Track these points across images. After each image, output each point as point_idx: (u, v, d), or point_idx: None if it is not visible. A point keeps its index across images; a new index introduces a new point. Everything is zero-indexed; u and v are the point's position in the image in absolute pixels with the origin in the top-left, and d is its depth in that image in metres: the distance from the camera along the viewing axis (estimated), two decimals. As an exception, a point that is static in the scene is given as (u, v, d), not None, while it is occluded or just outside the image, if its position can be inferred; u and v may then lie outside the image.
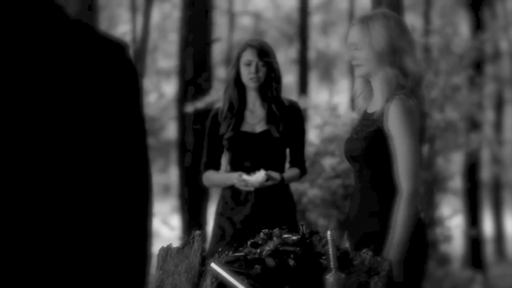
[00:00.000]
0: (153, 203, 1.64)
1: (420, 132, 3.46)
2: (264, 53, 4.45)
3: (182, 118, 10.19)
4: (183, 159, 10.31)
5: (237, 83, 4.52)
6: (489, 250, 18.05)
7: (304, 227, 3.36)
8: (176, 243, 3.42)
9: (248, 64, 4.45)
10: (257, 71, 4.44)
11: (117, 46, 1.55)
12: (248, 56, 4.45)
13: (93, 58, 1.51)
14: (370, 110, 3.53)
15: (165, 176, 17.04)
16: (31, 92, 1.45)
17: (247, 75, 4.46)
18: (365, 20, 3.45)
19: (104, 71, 1.51)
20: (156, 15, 14.29)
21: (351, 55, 3.53)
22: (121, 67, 1.54)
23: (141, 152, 1.57)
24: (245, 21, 16.37)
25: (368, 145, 3.44)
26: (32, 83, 1.46)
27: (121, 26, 14.56)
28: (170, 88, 14.61)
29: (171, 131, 14.87)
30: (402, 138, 3.36)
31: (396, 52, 3.41)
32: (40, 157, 1.46)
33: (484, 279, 12.70)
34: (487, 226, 17.89)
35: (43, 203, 1.46)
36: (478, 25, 14.49)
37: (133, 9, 12.92)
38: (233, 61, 4.59)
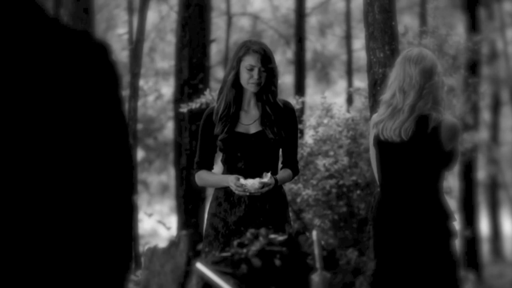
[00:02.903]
0: (135, 200, 1.66)
1: None
2: (267, 60, 4.46)
3: (179, 118, 10.22)
4: (179, 159, 10.34)
5: (235, 85, 4.53)
6: (485, 250, 18.06)
7: (290, 228, 3.40)
8: (156, 244, 3.44)
9: (251, 69, 4.45)
10: (259, 77, 4.45)
11: (99, 47, 1.58)
12: (251, 61, 4.45)
13: (73, 57, 1.54)
14: None
15: (164, 177, 17.03)
16: (11, 91, 1.48)
17: (248, 79, 4.46)
18: None
19: (83, 70, 1.54)
20: (154, 16, 14.30)
21: None
22: (101, 66, 1.57)
23: (122, 149, 1.60)
24: (242, 22, 16.38)
25: None
26: (12, 82, 1.48)
27: (119, 28, 14.58)
28: (168, 89, 14.63)
29: (169, 131, 14.88)
30: None
31: None
32: (24, 151, 1.48)
33: (479, 278, 12.72)
34: (484, 226, 17.90)
35: (25, 195, 1.49)
36: (473, 26, 14.51)
37: (130, 10, 12.94)
38: (232, 62, 4.58)
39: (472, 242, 15.08)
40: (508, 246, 19.42)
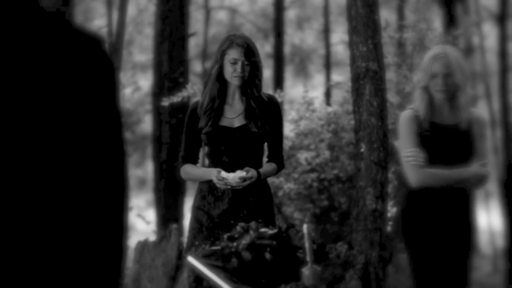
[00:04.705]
0: (129, 196, 1.66)
1: None
2: (251, 53, 4.47)
3: (158, 112, 10.19)
4: (158, 153, 10.31)
5: (219, 79, 4.54)
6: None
7: (280, 221, 3.41)
8: (151, 237, 3.44)
9: (234, 63, 4.46)
10: (243, 70, 4.46)
11: (93, 40, 1.57)
12: (234, 54, 4.46)
13: (69, 51, 1.53)
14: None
15: (141, 170, 16.98)
16: (6, 84, 1.47)
17: (232, 73, 4.47)
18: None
19: (80, 64, 1.53)
20: (131, 9, 14.24)
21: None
22: (97, 60, 1.56)
23: (117, 145, 1.59)
24: (220, 16, 16.37)
25: None
26: (8, 75, 1.47)
27: (97, 20, 14.50)
28: (146, 82, 14.59)
29: (147, 125, 14.84)
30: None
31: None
32: (17, 149, 1.47)
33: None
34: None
35: (18, 194, 1.48)
36: (450, 21, 14.60)
37: (109, 3, 12.87)
38: (215, 56, 4.58)
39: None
40: (483, 239, 19.58)
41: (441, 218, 4.28)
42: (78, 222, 1.54)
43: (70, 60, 1.52)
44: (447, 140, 4.31)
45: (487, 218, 17.67)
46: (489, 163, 4.28)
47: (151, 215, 11.45)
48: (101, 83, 1.56)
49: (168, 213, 9.97)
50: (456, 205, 4.30)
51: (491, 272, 16.27)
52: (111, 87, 1.58)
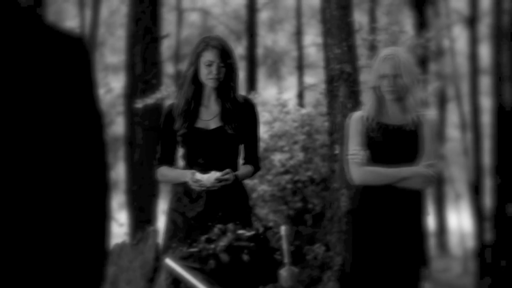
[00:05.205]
0: (111, 196, 1.65)
1: None
2: (226, 55, 4.47)
3: (131, 113, 10.16)
4: (131, 155, 10.27)
5: (195, 81, 4.53)
6: (431, 244, 18.33)
7: (258, 223, 3.42)
8: (124, 240, 3.43)
9: (209, 65, 4.46)
10: (218, 72, 4.46)
11: (72, 38, 1.57)
12: (209, 56, 4.45)
13: (48, 48, 1.52)
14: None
15: (113, 172, 16.90)
16: None
17: (207, 75, 4.47)
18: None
19: (59, 62, 1.52)
20: (103, 10, 14.17)
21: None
22: (76, 58, 1.55)
23: (97, 143, 1.59)
24: (193, 18, 16.34)
25: None
26: None
27: (68, 21, 14.42)
28: (118, 83, 14.52)
29: (119, 126, 14.78)
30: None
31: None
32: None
33: (429, 273, 12.92)
34: (430, 220, 18.15)
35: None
36: (422, 24, 14.71)
37: (81, 4, 12.81)
38: (191, 58, 4.58)
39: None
40: (453, 240, 19.74)
41: (388, 219, 4.32)
42: (59, 224, 1.54)
43: (48, 57, 1.52)
44: (392, 140, 4.36)
45: (457, 219, 17.81)
46: (435, 164, 4.32)
47: (123, 217, 11.40)
48: (79, 81, 1.56)
49: (141, 215, 9.94)
50: (404, 206, 4.33)
51: (461, 273, 16.39)
52: (89, 85, 1.58)
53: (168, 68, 14.84)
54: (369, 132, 4.39)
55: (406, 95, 4.35)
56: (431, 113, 4.51)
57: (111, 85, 14.82)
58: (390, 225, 4.30)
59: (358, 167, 4.34)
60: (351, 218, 4.50)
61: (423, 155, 4.31)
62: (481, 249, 15.19)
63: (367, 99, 4.50)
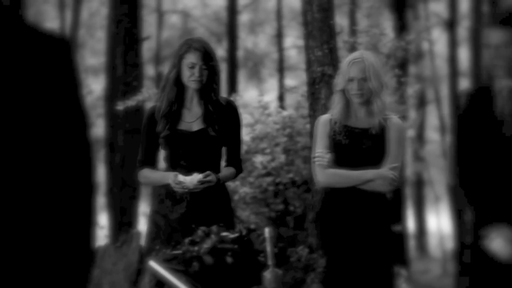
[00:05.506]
0: (96, 196, 1.65)
1: None
2: (208, 57, 4.48)
3: (111, 115, 10.13)
4: (111, 157, 10.24)
5: (177, 83, 4.53)
6: (411, 246, 18.41)
7: (241, 225, 3.42)
8: (104, 242, 3.42)
9: (192, 67, 4.46)
10: (200, 74, 4.46)
11: (57, 39, 1.56)
12: (192, 59, 4.46)
13: (31, 50, 1.52)
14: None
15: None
16: None
17: (189, 77, 4.48)
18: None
19: (42, 63, 1.52)
20: (83, 12, 14.12)
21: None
22: (60, 59, 1.55)
23: (81, 143, 1.58)
24: (173, 20, 16.31)
25: None
26: None
27: (48, 23, 14.35)
28: (97, 85, 14.48)
29: (99, 128, 14.73)
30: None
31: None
32: None
33: (408, 274, 12.97)
34: (410, 222, 18.24)
35: None
36: (402, 27, 14.77)
37: (62, 5, 12.76)
38: (173, 60, 4.58)
39: (400, 238, 15.35)
40: (433, 242, 19.83)
41: (353, 221, 4.34)
42: (43, 224, 1.53)
43: (31, 58, 1.51)
44: (357, 143, 4.39)
45: (437, 221, 17.89)
46: (398, 167, 4.35)
47: (103, 219, 11.35)
48: (63, 82, 1.55)
49: (121, 218, 9.91)
50: (368, 208, 4.35)
51: (440, 275, 16.47)
52: (73, 85, 1.58)
53: (149, 70, 14.80)
54: (335, 135, 4.42)
55: (373, 98, 4.39)
56: (397, 117, 4.54)
57: (91, 87, 14.77)
58: (355, 227, 4.33)
59: (323, 170, 4.38)
60: (317, 220, 4.54)
61: (387, 158, 4.34)
62: (460, 251, 15.26)
63: (334, 102, 4.53)
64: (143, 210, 10.04)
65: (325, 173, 4.36)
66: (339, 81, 4.50)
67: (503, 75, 3.31)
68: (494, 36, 3.27)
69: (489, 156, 3.38)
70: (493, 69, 3.31)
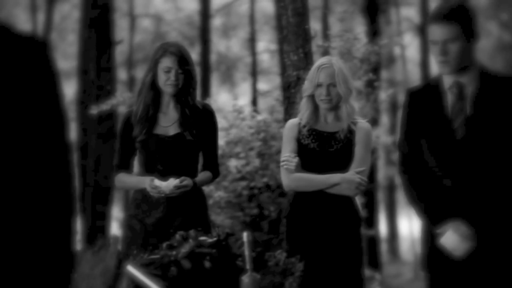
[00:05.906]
0: (75, 198, 1.63)
1: None
2: (184, 61, 4.47)
3: (83, 119, 10.07)
4: (84, 161, 10.18)
5: (153, 87, 4.52)
6: (383, 250, 18.50)
7: (219, 229, 3.41)
8: (77, 247, 3.40)
9: (167, 71, 4.45)
10: (176, 78, 4.46)
11: (34, 40, 1.55)
12: (168, 63, 4.45)
13: (7, 51, 1.50)
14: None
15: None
16: None
17: (165, 81, 4.47)
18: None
19: (19, 65, 1.51)
20: (54, 15, 14.03)
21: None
22: (37, 60, 1.54)
23: (59, 146, 1.57)
24: (145, 23, 16.27)
25: None
26: None
27: (19, 26, 14.23)
28: (69, 89, 14.38)
29: (71, 132, 14.64)
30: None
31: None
32: None
33: (380, 278, 13.02)
34: (381, 226, 18.33)
35: None
36: (374, 31, 14.86)
37: (33, 8, 12.67)
38: (149, 64, 4.57)
39: (372, 242, 15.43)
40: (405, 246, 19.93)
41: (319, 225, 4.37)
42: (23, 227, 1.52)
43: (8, 60, 1.50)
44: (324, 147, 4.42)
45: (409, 225, 17.99)
46: (365, 171, 4.37)
47: (75, 224, 11.27)
48: (44, 87, 1.54)
49: (94, 222, 9.85)
50: (335, 212, 4.37)
51: (412, 279, 16.55)
52: (53, 90, 1.57)
53: (121, 74, 14.73)
54: (303, 138, 4.44)
55: (341, 103, 4.42)
56: (365, 121, 4.56)
57: (62, 91, 14.65)
58: (322, 230, 4.36)
59: (289, 174, 4.39)
60: (285, 224, 4.55)
61: (354, 162, 4.37)
62: (429, 255, 15.34)
63: (303, 107, 4.54)
64: (116, 215, 9.99)
65: (291, 177, 4.38)
66: (307, 87, 4.52)
67: (450, 71, 3.33)
68: (438, 32, 3.29)
69: (436, 154, 3.39)
70: (440, 65, 3.34)
